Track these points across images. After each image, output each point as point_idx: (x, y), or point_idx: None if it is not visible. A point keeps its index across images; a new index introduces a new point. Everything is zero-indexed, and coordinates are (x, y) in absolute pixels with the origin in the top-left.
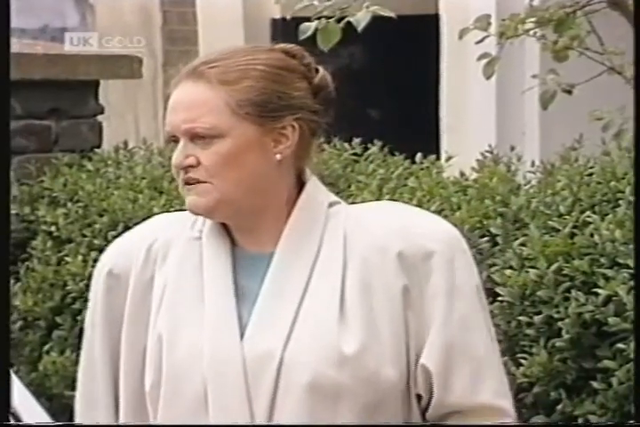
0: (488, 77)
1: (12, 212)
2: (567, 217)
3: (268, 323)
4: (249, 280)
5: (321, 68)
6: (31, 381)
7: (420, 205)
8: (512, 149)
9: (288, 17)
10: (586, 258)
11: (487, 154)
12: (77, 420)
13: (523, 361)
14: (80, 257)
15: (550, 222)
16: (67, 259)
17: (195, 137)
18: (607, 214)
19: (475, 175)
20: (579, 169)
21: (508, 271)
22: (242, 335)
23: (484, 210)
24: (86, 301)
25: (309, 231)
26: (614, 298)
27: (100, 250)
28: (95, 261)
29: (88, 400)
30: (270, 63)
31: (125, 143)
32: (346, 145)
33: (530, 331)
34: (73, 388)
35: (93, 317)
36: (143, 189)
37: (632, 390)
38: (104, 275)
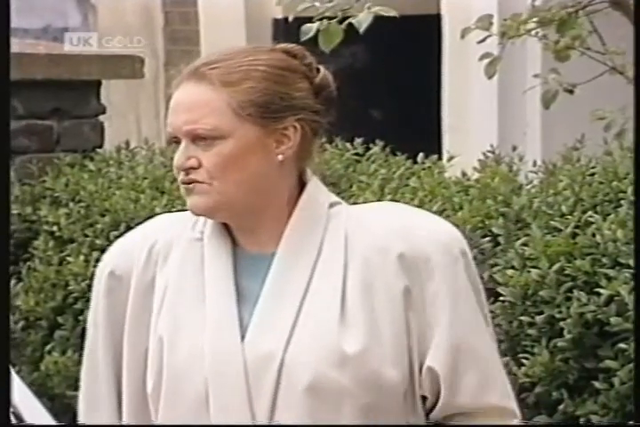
0: (490, 77)
1: (14, 212)
2: (569, 217)
3: (269, 324)
4: (250, 281)
5: (322, 68)
6: (33, 381)
7: (421, 206)
8: (514, 148)
9: (290, 18)
10: (588, 258)
11: (489, 154)
12: (80, 420)
13: (524, 361)
14: (82, 257)
15: (552, 222)
16: (68, 259)
17: (196, 138)
18: (609, 214)
19: (476, 175)
20: (580, 169)
21: (509, 271)
22: (243, 336)
23: (485, 210)
24: (88, 301)
25: (310, 232)
26: (616, 298)
27: (102, 250)
28: (97, 261)
29: (91, 401)
30: (272, 64)
31: (127, 143)
32: (348, 145)
33: (532, 331)
34: (75, 388)
35: (95, 318)
36: (145, 188)
37: (634, 390)
38: (106, 276)
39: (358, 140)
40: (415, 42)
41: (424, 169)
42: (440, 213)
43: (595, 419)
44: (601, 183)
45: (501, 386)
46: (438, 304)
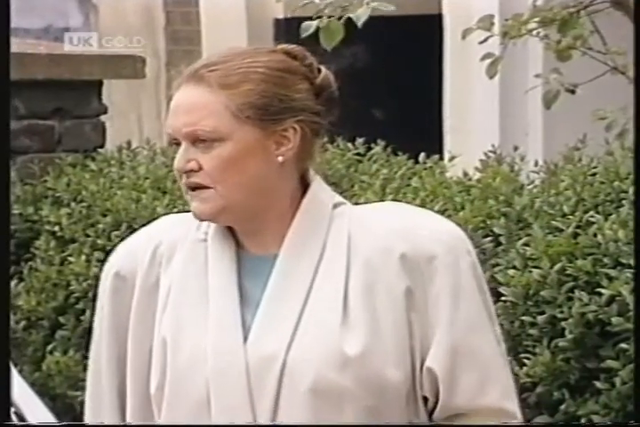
0: (491, 77)
1: (16, 211)
2: (570, 217)
3: (272, 326)
4: (253, 282)
5: (323, 68)
6: (34, 380)
7: (423, 205)
8: (515, 148)
9: (289, 15)
10: (589, 258)
11: (490, 154)
12: (86, 419)
13: (526, 361)
14: (83, 257)
15: (554, 222)
16: (70, 259)
17: (196, 140)
18: (610, 214)
19: (478, 175)
20: (582, 169)
21: (511, 271)
22: (245, 338)
23: (487, 210)
24: (89, 301)
25: (313, 233)
26: (617, 298)
27: (104, 250)
28: (99, 261)
29: (95, 400)
30: (271, 66)
31: (129, 143)
32: (349, 145)
33: (533, 331)
34: (76, 388)
35: (100, 318)
36: (146, 188)
37: (634, 390)
38: (111, 276)
39: (360, 140)
40: (416, 42)
41: (425, 169)
42: (441, 213)
43: (596, 419)
44: (602, 183)
45: (502, 387)
46: (440, 304)
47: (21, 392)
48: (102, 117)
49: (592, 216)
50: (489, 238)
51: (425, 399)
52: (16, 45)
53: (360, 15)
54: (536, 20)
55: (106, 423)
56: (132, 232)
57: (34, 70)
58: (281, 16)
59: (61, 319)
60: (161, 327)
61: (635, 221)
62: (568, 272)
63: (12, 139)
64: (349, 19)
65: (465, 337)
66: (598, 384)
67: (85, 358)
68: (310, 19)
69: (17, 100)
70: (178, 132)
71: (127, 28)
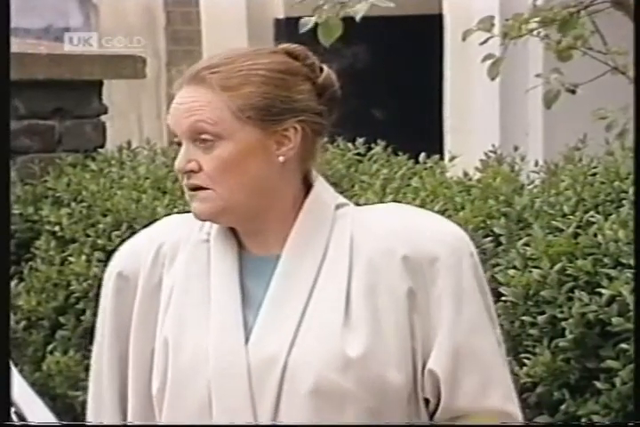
0: (493, 78)
1: (16, 212)
2: (571, 217)
3: (273, 327)
4: (255, 283)
5: (325, 68)
6: (35, 380)
7: (423, 205)
8: (515, 148)
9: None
10: (589, 258)
11: (491, 154)
12: (88, 418)
13: (526, 361)
14: (84, 257)
15: (554, 222)
16: (70, 259)
17: (197, 139)
18: (611, 214)
19: (478, 175)
20: (582, 169)
21: (511, 271)
22: (247, 338)
23: (487, 210)
24: (90, 301)
25: (316, 234)
26: (618, 298)
27: (104, 250)
28: (99, 261)
29: (96, 400)
30: (272, 68)
31: (129, 143)
32: (349, 145)
33: (533, 331)
34: (77, 388)
35: (103, 318)
36: (147, 188)
37: (634, 390)
38: (114, 277)
39: (360, 140)
40: (417, 42)
41: (426, 169)
42: (442, 213)
43: (596, 419)
44: (603, 183)
45: (503, 389)
46: (442, 306)
47: (21, 392)
48: (102, 117)
49: (592, 216)
50: (489, 238)
51: (426, 401)
52: (16, 45)
53: (358, 10)
54: (536, 19)
55: (106, 423)
56: (132, 232)
57: (34, 70)
58: (281, 16)
59: (62, 319)
60: (163, 328)
61: (635, 221)
62: (568, 272)
63: (13, 139)
64: (349, 18)
65: (467, 339)
66: (598, 384)
67: (85, 358)
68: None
69: (17, 100)
70: (179, 127)
71: (127, 28)
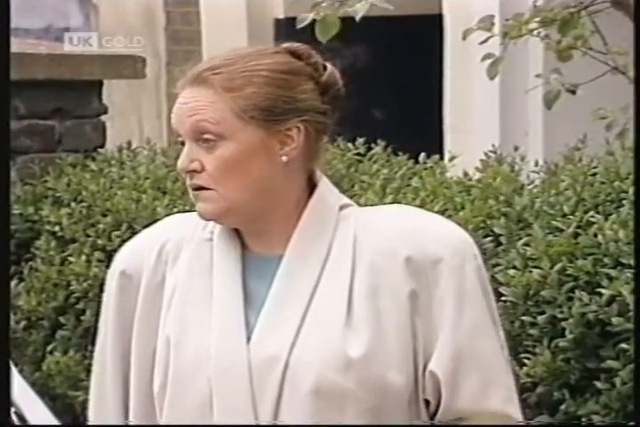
0: (492, 78)
1: (16, 212)
2: (571, 217)
3: (275, 326)
4: (258, 283)
5: (329, 66)
6: (35, 381)
7: (423, 205)
8: (516, 148)
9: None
10: (589, 258)
11: (491, 154)
12: (90, 418)
13: (526, 361)
14: (84, 257)
15: (554, 222)
16: (70, 259)
17: (200, 139)
18: (611, 214)
19: (478, 175)
20: (582, 169)
21: (511, 271)
22: (249, 338)
23: (487, 210)
24: (90, 301)
25: (319, 234)
26: (618, 298)
27: (104, 250)
28: (99, 261)
29: (98, 398)
30: (274, 68)
31: (129, 143)
32: (349, 145)
33: (533, 331)
34: (77, 388)
35: (106, 316)
36: (147, 188)
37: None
38: (117, 275)
39: (360, 140)
40: (417, 42)
41: (426, 169)
42: (442, 213)
43: (596, 419)
44: (603, 183)
45: (504, 392)
46: (444, 308)
47: (21, 392)
48: (102, 117)
49: (592, 216)
50: (489, 238)
51: (426, 402)
52: (16, 45)
53: (358, 10)
54: (536, 19)
55: (107, 423)
56: (132, 232)
57: (34, 70)
58: (281, 16)
59: (62, 319)
60: (165, 326)
61: (635, 221)
62: (568, 272)
63: (13, 139)
64: (349, 18)
65: (468, 341)
66: (598, 384)
67: (85, 358)
68: None
69: (17, 100)
70: (182, 127)
71: (127, 28)
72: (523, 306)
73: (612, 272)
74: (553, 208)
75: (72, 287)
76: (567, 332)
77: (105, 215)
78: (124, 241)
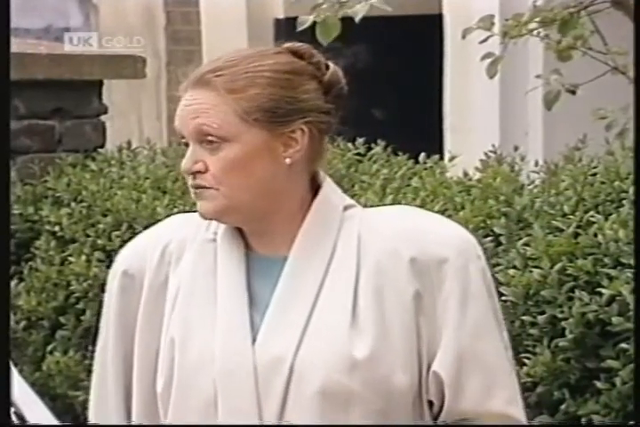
0: (491, 77)
1: (16, 212)
2: (571, 217)
3: (280, 327)
4: (262, 284)
5: (331, 64)
6: (34, 380)
7: (423, 205)
8: (516, 148)
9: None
10: (589, 258)
11: (491, 154)
12: (90, 417)
13: (526, 361)
14: (84, 257)
15: (554, 222)
16: (70, 259)
17: (203, 141)
18: (611, 214)
19: (478, 175)
20: (582, 169)
21: (511, 271)
22: (254, 339)
23: (487, 210)
24: (90, 301)
25: (323, 235)
26: (618, 298)
27: (104, 250)
28: (99, 261)
29: (99, 398)
30: (277, 69)
31: (129, 143)
32: (349, 145)
33: (533, 331)
34: (77, 388)
35: (107, 316)
36: (147, 188)
37: (634, 390)
38: (119, 275)
39: (360, 140)
40: (417, 42)
41: (426, 169)
42: (442, 213)
43: (596, 419)
44: (603, 183)
45: (508, 393)
46: (448, 308)
47: (21, 392)
48: (102, 117)
49: (592, 216)
50: (489, 238)
51: (430, 404)
52: (16, 45)
53: (358, 11)
54: (536, 19)
55: (109, 423)
56: (132, 232)
57: (34, 70)
58: (281, 16)
59: (61, 319)
60: (169, 327)
61: (635, 221)
62: (568, 272)
63: (13, 139)
64: (349, 18)
65: (472, 342)
66: (598, 384)
67: (85, 358)
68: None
69: (17, 100)
70: (185, 128)
71: (127, 28)
72: (523, 306)
73: (612, 272)
74: (553, 208)
75: (72, 287)
76: (567, 332)
77: (105, 215)
78: (123, 241)
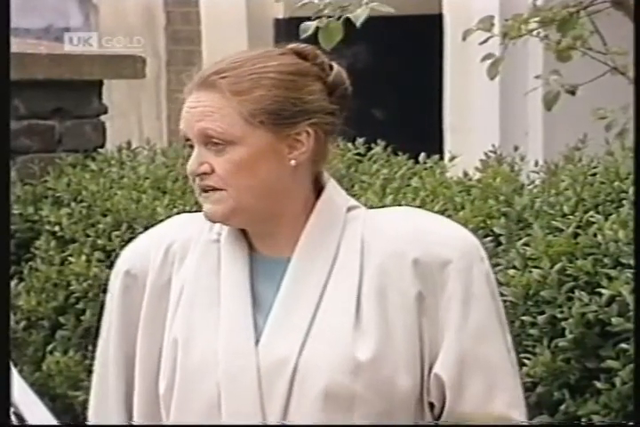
0: (492, 78)
1: (16, 212)
2: (571, 217)
3: (284, 329)
4: (265, 285)
5: (335, 65)
6: (34, 381)
7: (423, 205)
8: (515, 148)
9: (289, 15)
10: (589, 258)
11: (491, 154)
12: (90, 417)
13: (526, 361)
14: (84, 257)
15: (554, 222)
16: (70, 259)
17: (208, 142)
18: (611, 214)
19: (478, 175)
20: (582, 169)
21: (511, 271)
22: (257, 340)
23: (487, 210)
24: (90, 301)
25: (327, 236)
26: (618, 298)
27: (104, 250)
28: (99, 261)
29: (99, 398)
30: (281, 70)
31: (129, 143)
32: (349, 145)
33: (533, 331)
34: (76, 388)
35: (109, 316)
36: (146, 188)
37: (634, 390)
38: (121, 275)
39: (360, 140)
40: (417, 42)
41: (426, 169)
42: (442, 213)
43: (596, 419)
44: (602, 183)
45: (509, 396)
46: (451, 310)
47: (21, 392)
48: (102, 117)
49: (592, 216)
50: (489, 238)
51: (431, 406)
52: (16, 45)
53: (359, 15)
54: (536, 20)
55: (109, 424)
56: (132, 232)
57: (34, 70)
58: (281, 16)
59: (61, 319)
60: (172, 328)
61: (635, 221)
62: (568, 272)
63: (12, 139)
64: (349, 19)
65: (474, 345)
66: (598, 384)
67: (85, 358)
68: (310, 19)
69: (17, 100)
70: (190, 130)
71: (127, 28)
72: (522, 306)
73: (612, 272)
74: (553, 208)
75: (72, 287)
76: (567, 332)
77: (105, 215)
78: (124, 241)
